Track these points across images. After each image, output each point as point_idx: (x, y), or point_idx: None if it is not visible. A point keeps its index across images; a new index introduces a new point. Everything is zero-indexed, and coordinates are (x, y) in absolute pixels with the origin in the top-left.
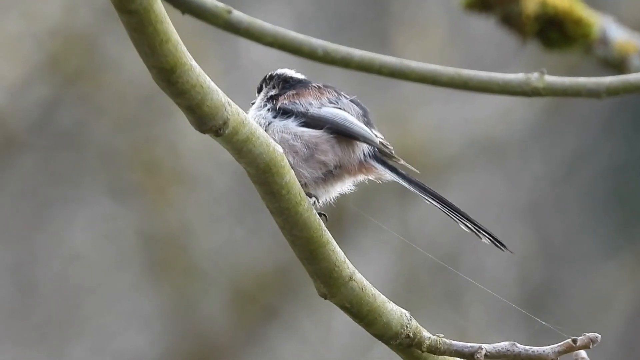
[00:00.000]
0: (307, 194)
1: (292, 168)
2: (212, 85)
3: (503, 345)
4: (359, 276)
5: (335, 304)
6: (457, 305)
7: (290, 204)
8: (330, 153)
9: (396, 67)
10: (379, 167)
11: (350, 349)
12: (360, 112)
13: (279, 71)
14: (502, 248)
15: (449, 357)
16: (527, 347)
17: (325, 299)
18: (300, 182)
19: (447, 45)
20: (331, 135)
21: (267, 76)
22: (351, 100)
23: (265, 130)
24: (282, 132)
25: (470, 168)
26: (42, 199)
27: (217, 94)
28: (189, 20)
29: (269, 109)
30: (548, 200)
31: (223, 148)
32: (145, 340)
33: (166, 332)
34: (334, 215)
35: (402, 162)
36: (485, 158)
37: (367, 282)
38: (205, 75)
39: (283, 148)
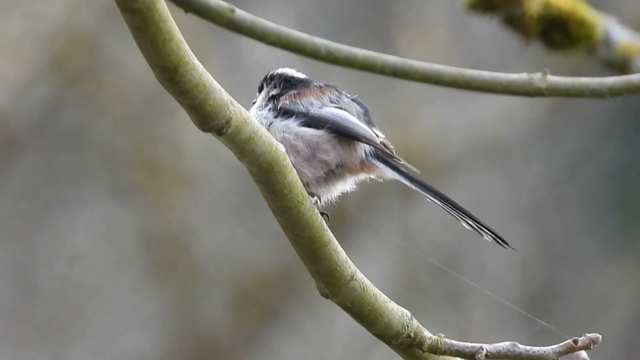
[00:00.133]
0: (309, 194)
1: (294, 168)
2: (215, 84)
3: (504, 345)
4: (360, 276)
5: (336, 303)
6: (458, 306)
7: (293, 203)
8: (331, 152)
9: (399, 66)
10: (381, 165)
11: (352, 349)
12: (362, 111)
13: (280, 70)
14: (504, 245)
15: (450, 357)
16: (528, 348)
17: (326, 298)
18: (302, 181)
19: (450, 46)
20: (332, 135)
21: (268, 75)
22: (352, 100)
23: (267, 130)
24: (284, 132)
25: (472, 169)
26: (44, 199)
27: (219, 93)
28: (191, 19)
29: (270, 109)
30: (550, 201)
31: (225, 148)
32: (146, 340)
33: (167, 333)
34: (336, 216)
35: (402, 161)
36: (487, 159)
37: (369, 281)
38: (208, 74)
39: (285, 148)
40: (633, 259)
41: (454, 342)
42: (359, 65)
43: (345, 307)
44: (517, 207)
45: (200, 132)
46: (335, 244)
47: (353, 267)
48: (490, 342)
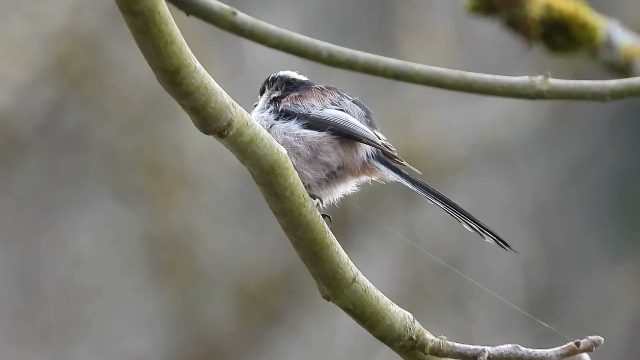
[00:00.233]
0: (310, 196)
1: (296, 170)
2: (217, 86)
3: (506, 347)
4: (362, 278)
5: (338, 305)
6: (461, 308)
7: (294, 205)
8: (333, 154)
9: (401, 69)
10: (382, 168)
11: (354, 352)
12: (363, 113)
13: (282, 73)
14: (506, 248)
15: None
16: (530, 350)
17: (328, 300)
18: (303, 183)
19: (453, 49)
20: (334, 137)
21: (270, 78)
22: (354, 102)
23: (268, 133)
24: (285, 134)
25: (474, 171)
26: (46, 201)
27: (221, 95)
28: (194, 23)
29: (271, 111)
30: (552, 203)
31: (227, 150)
32: (149, 342)
33: (170, 335)
34: (339, 218)
35: (404, 163)
36: (490, 161)
37: (371, 284)
38: (210, 76)
39: (286, 150)
40: (636, 261)
41: (456, 344)
42: (360, 68)
43: (347, 310)
44: (520, 210)
45: (202, 134)
46: (337, 246)
47: (355, 269)
48: (493, 344)
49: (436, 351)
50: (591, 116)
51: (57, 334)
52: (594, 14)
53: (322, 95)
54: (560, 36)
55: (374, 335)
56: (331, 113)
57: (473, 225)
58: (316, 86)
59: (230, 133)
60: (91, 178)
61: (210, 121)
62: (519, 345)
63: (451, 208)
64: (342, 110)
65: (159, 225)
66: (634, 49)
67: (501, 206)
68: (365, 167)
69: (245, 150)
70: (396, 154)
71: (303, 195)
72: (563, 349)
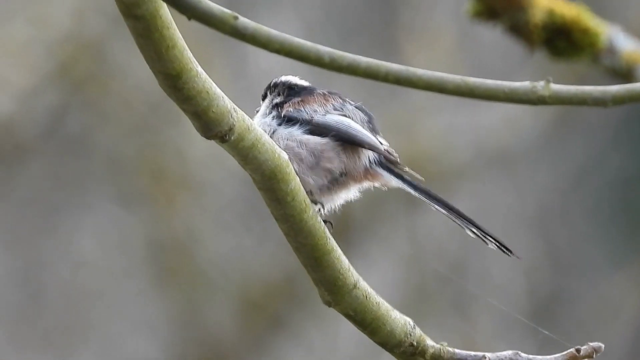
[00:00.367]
0: (312, 201)
1: (298, 175)
2: (218, 91)
3: (506, 354)
4: (363, 284)
5: (339, 311)
6: (464, 315)
7: (295, 211)
8: (335, 160)
9: (402, 74)
10: (385, 174)
11: (356, 358)
12: (366, 118)
13: (284, 78)
14: (509, 254)
15: None
16: (531, 357)
17: (329, 306)
18: (305, 189)
19: (456, 54)
20: (336, 143)
21: (272, 83)
22: (356, 107)
23: (270, 138)
24: (287, 139)
25: (477, 177)
26: (50, 205)
27: (222, 100)
28: (196, 28)
29: (273, 117)
30: (555, 209)
31: (229, 155)
32: (152, 347)
33: (173, 340)
34: (341, 224)
35: (407, 169)
36: (493, 167)
37: (371, 290)
38: (211, 81)
39: (288, 155)
40: (638, 266)
41: (456, 350)
42: (362, 73)
43: (347, 316)
44: (523, 215)
45: (204, 139)
46: (338, 252)
47: (356, 275)
48: (495, 351)
49: (437, 357)
50: (594, 122)
51: (60, 337)
52: (596, 19)
53: (324, 101)
54: (562, 41)
55: (374, 341)
56: (334, 118)
57: (475, 231)
58: (318, 91)
59: (232, 138)
60: (94, 182)
61: (211, 126)
62: (519, 352)
63: (454, 214)
64: (345, 115)
65: (162, 229)
66: (636, 54)
67: (504, 211)
68: (367, 173)
69: (247, 155)
70: (398, 159)
71: (304, 201)
72: (563, 355)
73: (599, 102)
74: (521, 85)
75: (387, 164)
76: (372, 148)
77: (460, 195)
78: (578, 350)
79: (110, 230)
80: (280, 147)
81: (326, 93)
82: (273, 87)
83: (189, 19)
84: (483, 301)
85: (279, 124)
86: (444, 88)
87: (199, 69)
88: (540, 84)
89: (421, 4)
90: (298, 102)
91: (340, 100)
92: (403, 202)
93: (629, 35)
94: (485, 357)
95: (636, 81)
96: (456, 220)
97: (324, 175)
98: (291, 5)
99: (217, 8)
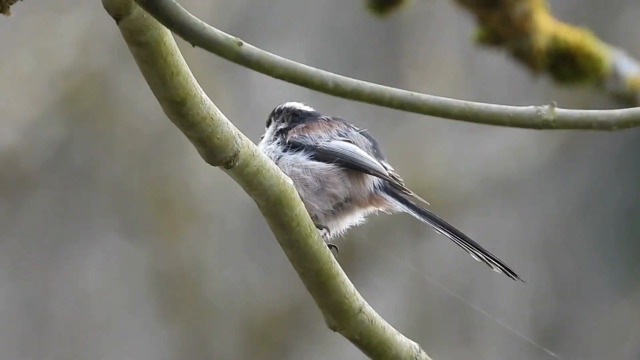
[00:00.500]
0: (317, 226)
1: (303, 201)
2: (223, 117)
3: None
4: (368, 308)
5: (344, 336)
6: (470, 342)
7: (301, 236)
8: (340, 186)
9: (407, 99)
10: (390, 199)
11: None
12: (370, 144)
13: (288, 104)
14: (514, 277)
15: None
16: None
17: (334, 331)
18: (310, 214)
19: (460, 83)
20: (341, 168)
21: (276, 110)
22: (361, 133)
23: (276, 164)
24: (293, 165)
25: (482, 205)
26: (55, 237)
27: (227, 126)
28: (201, 55)
29: (278, 143)
30: (560, 237)
31: (235, 185)
32: None
33: None
34: (346, 250)
35: (412, 194)
36: (498, 196)
37: (377, 314)
38: (216, 107)
39: (293, 181)
40: None
41: None
42: (366, 98)
43: (353, 340)
44: (528, 243)
45: (210, 168)
46: (343, 276)
47: (361, 299)
48: None
49: None
50: (598, 150)
51: None
52: (600, 44)
53: (328, 127)
54: (567, 67)
55: None
56: (338, 144)
57: (481, 255)
58: (323, 117)
59: (237, 164)
60: (99, 213)
61: (216, 152)
62: None
63: (458, 238)
64: (349, 141)
65: (167, 260)
66: None
67: (509, 240)
68: (372, 199)
69: (252, 181)
70: (403, 184)
71: (309, 226)
72: None
73: (603, 126)
74: (526, 109)
75: (392, 189)
76: (377, 174)
77: (465, 224)
78: None
79: (116, 262)
80: (285, 173)
81: (330, 119)
82: (277, 114)
83: (194, 45)
84: (489, 327)
85: (284, 150)
86: (448, 113)
87: (204, 95)
88: (545, 108)
89: (425, 33)
90: (302, 128)
91: (345, 126)
92: (408, 229)
93: (633, 60)
94: None
95: None
96: (461, 244)
97: (329, 201)
98: (295, 36)
99: (221, 34)
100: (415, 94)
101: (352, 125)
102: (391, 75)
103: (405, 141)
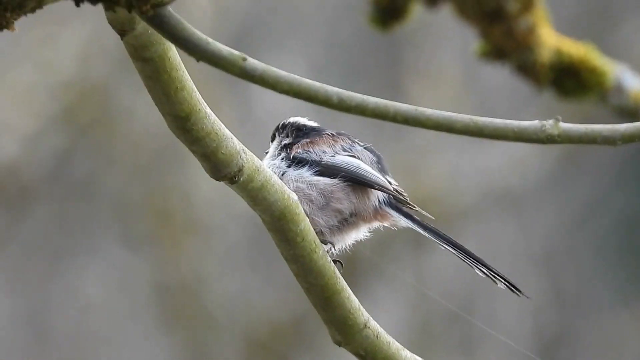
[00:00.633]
0: (322, 241)
1: (308, 217)
2: (227, 132)
3: None
4: (373, 323)
5: (349, 351)
6: (471, 354)
7: (305, 252)
8: (345, 201)
9: (411, 114)
10: (394, 214)
11: None
12: (375, 159)
13: (292, 119)
14: (518, 293)
15: None
16: None
17: (339, 346)
18: (315, 229)
19: (461, 94)
20: (346, 184)
21: (280, 125)
22: (365, 148)
23: (280, 179)
24: (297, 181)
25: (483, 217)
26: (56, 249)
27: (232, 141)
28: (201, 69)
29: (282, 158)
30: (562, 249)
31: (236, 197)
32: None
33: None
34: (348, 264)
35: (417, 208)
36: (499, 207)
37: (382, 329)
38: (220, 122)
39: (298, 197)
40: None
41: None
42: (370, 113)
43: (358, 355)
44: (529, 255)
45: (211, 181)
46: (348, 291)
47: (366, 314)
48: None
49: None
50: (600, 162)
51: None
52: (604, 58)
53: (333, 142)
54: (570, 81)
55: None
56: (343, 159)
57: (485, 271)
58: (327, 132)
59: (241, 179)
60: (100, 225)
61: (221, 167)
62: None
63: (463, 253)
64: (354, 156)
65: (168, 272)
66: None
67: (511, 251)
68: (377, 214)
69: (256, 196)
70: (408, 199)
71: (314, 241)
72: None
73: (608, 140)
74: (530, 124)
75: (396, 204)
76: (381, 188)
77: (467, 236)
78: None
79: (116, 273)
80: (290, 188)
81: (334, 134)
82: (281, 129)
83: (198, 60)
84: (490, 341)
85: (289, 166)
86: (453, 127)
87: (208, 110)
88: (550, 123)
89: (425, 44)
90: (307, 144)
91: (349, 141)
92: (410, 242)
93: (637, 74)
94: None
95: None
96: (466, 260)
97: (334, 216)
98: (295, 47)
99: (226, 50)
100: (420, 108)
101: (356, 140)
102: (391, 86)
103: (406, 153)
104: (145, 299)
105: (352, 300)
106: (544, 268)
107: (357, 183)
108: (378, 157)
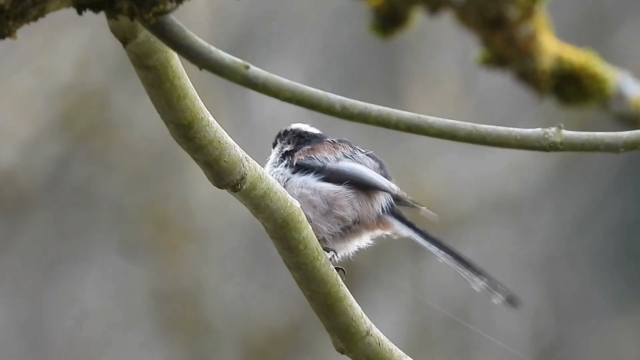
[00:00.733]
0: (325, 249)
1: (311, 223)
2: (230, 140)
3: None
4: (375, 331)
5: (352, 359)
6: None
7: (308, 259)
8: (348, 208)
9: (414, 122)
10: (396, 223)
11: None
12: (377, 165)
13: (294, 126)
14: (516, 307)
15: None
16: None
17: (342, 354)
18: (318, 237)
19: (459, 100)
20: (350, 191)
21: (282, 131)
22: (367, 155)
23: (284, 186)
24: (302, 187)
25: (482, 223)
26: (53, 256)
27: (234, 149)
28: (201, 76)
29: (285, 165)
30: (560, 255)
31: (234, 205)
32: None
33: None
34: (346, 270)
35: (424, 208)
36: (498, 213)
37: (384, 336)
38: (223, 130)
39: (302, 203)
40: None
41: None
42: (373, 121)
43: None
44: (528, 261)
45: (209, 187)
46: (350, 299)
47: (369, 322)
48: None
49: None
50: (598, 168)
51: None
52: (605, 65)
53: (334, 148)
54: (571, 88)
55: None
56: (346, 165)
57: (482, 286)
58: (328, 139)
59: (244, 187)
60: (98, 232)
61: (223, 175)
62: None
63: (462, 266)
64: (356, 162)
65: (166, 279)
66: None
67: (509, 257)
68: (380, 222)
69: (259, 204)
70: (413, 202)
71: (317, 249)
72: None
73: (611, 148)
74: (533, 132)
75: (398, 212)
76: (387, 191)
77: (465, 242)
78: None
79: (114, 281)
80: (294, 195)
81: (336, 141)
82: (283, 135)
83: (201, 68)
84: (488, 348)
85: (293, 172)
86: (456, 135)
87: (210, 118)
88: (552, 130)
89: (423, 50)
90: (308, 150)
91: (350, 148)
92: (408, 249)
93: (638, 80)
94: None
95: None
96: (463, 273)
97: (336, 223)
98: (293, 53)
99: (228, 58)
100: (422, 116)
101: (357, 147)
102: (389, 92)
103: (404, 159)
104: (143, 307)
105: (355, 307)
106: (542, 274)
107: (363, 187)
108: (380, 163)
